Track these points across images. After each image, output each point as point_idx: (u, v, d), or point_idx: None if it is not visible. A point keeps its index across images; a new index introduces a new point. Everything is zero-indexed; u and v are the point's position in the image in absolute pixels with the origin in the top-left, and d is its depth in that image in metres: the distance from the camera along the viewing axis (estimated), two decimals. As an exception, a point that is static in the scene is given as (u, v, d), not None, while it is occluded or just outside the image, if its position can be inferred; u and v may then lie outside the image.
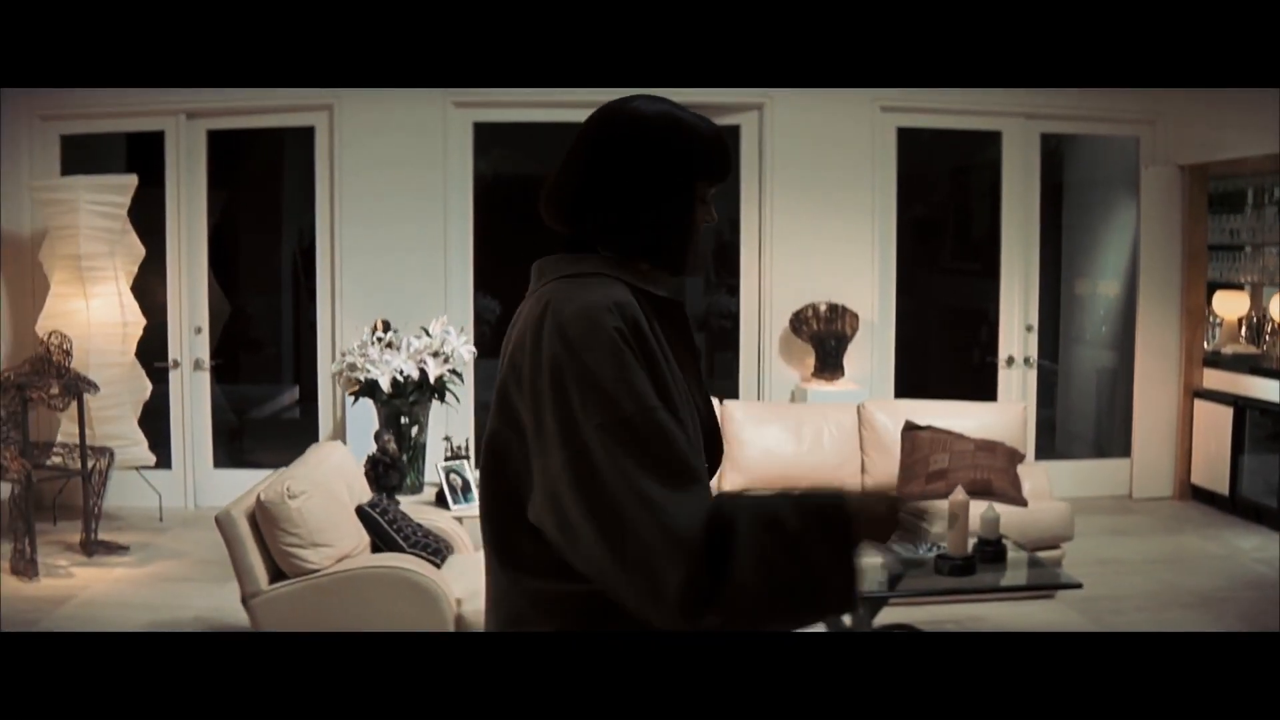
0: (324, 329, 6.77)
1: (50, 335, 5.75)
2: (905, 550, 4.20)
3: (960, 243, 8.72)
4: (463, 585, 3.97)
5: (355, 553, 4.08)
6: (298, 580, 3.87)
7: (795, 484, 1.66)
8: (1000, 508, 4.57)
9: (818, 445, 5.64)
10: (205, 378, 6.84)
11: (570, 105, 5.82)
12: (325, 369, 6.72)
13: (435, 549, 4.26)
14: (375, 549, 4.20)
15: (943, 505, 4.50)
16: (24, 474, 5.38)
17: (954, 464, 5.24)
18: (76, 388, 5.66)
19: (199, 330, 6.80)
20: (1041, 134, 7.09)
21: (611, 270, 1.60)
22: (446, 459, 5.27)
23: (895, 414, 5.70)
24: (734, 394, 6.96)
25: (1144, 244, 7.04)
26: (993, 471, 5.26)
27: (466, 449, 5.37)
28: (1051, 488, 5.53)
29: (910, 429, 5.52)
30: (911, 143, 7.09)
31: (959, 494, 4.08)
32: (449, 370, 5.37)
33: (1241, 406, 6.62)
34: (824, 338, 6.69)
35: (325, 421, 6.80)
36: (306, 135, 6.78)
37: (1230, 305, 7.04)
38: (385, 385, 5.19)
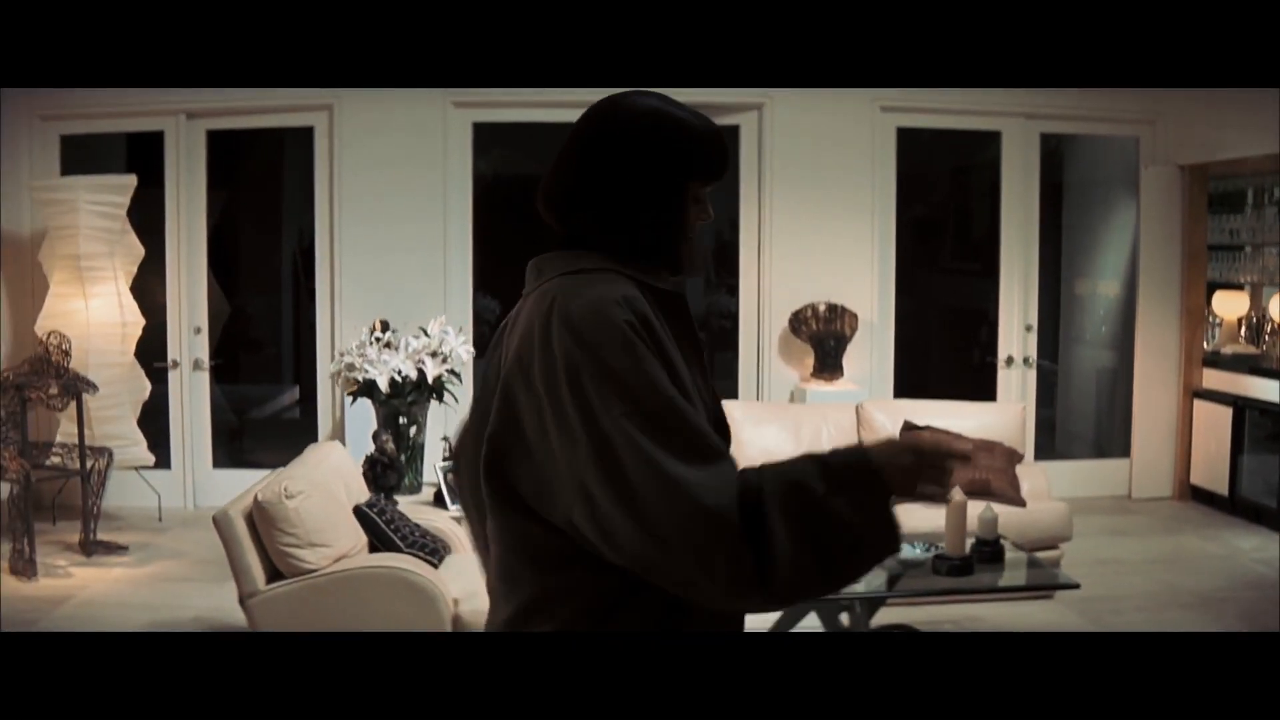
0: (323, 329, 6.77)
1: (49, 335, 5.75)
2: (905, 549, 4.19)
3: (960, 243, 8.72)
4: (460, 585, 3.97)
5: (353, 553, 4.08)
6: (295, 580, 3.87)
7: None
8: (999, 508, 4.57)
9: (816, 445, 5.57)
10: (205, 378, 6.84)
11: (570, 105, 5.81)
12: (324, 369, 6.72)
13: (433, 549, 4.26)
14: (373, 549, 4.20)
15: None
16: (23, 474, 5.38)
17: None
18: (75, 388, 5.66)
19: (198, 330, 6.80)
20: (1041, 134, 7.09)
21: (614, 265, 1.60)
22: (445, 459, 5.27)
23: (894, 414, 5.70)
24: (733, 394, 6.96)
25: (1144, 244, 7.04)
26: (991, 472, 5.26)
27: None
28: (1050, 488, 5.53)
29: (909, 429, 5.52)
30: (911, 143, 7.08)
31: (956, 494, 4.08)
32: (447, 370, 5.38)
33: (1241, 407, 6.62)
34: (823, 338, 6.69)
35: (324, 422, 6.80)
36: (306, 135, 6.77)
37: (1230, 305, 7.04)
38: (383, 385, 5.19)
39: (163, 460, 6.60)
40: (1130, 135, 7.19)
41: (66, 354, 5.68)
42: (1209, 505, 6.83)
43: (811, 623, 4.20)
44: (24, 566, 5.32)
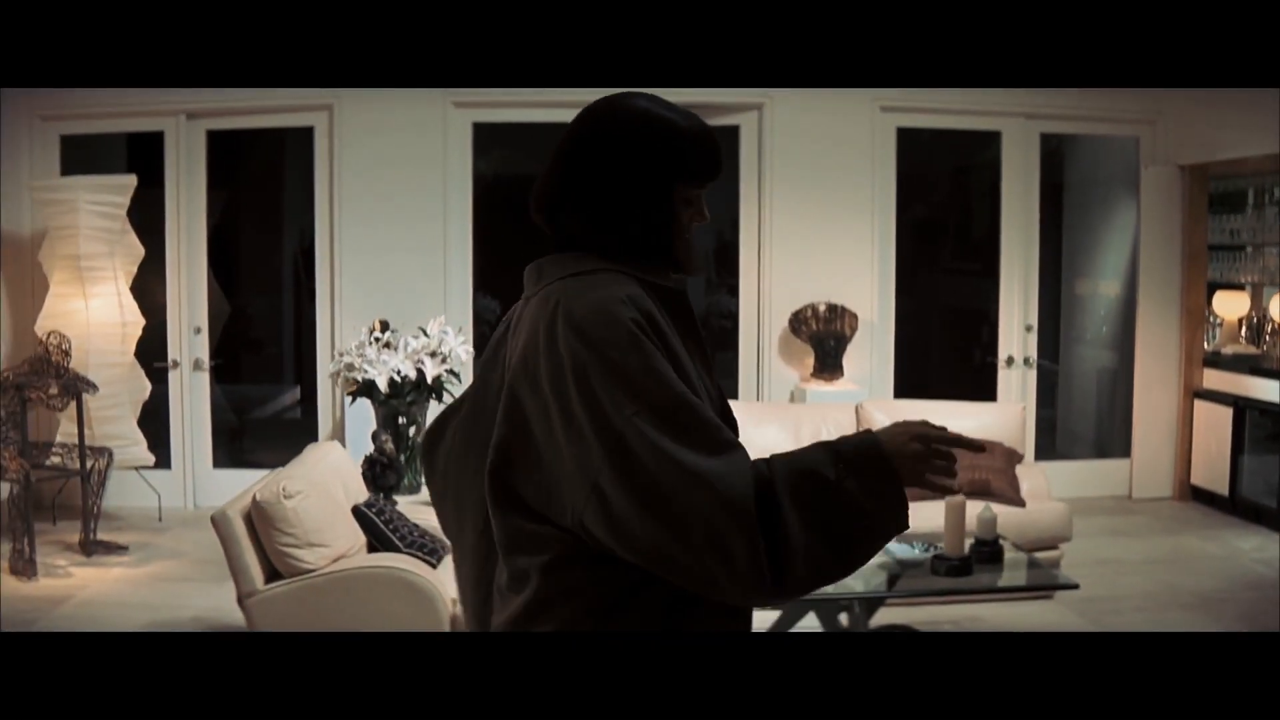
0: (323, 329, 6.77)
1: (49, 335, 5.75)
2: (903, 549, 4.19)
3: (960, 243, 8.72)
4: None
5: (351, 553, 4.08)
6: (293, 580, 3.87)
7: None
8: (998, 508, 4.57)
9: (817, 445, 5.64)
10: (205, 378, 6.84)
11: (570, 105, 5.76)
12: (324, 369, 6.72)
13: (431, 549, 4.25)
14: (371, 549, 4.20)
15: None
16: (23, 474, 5.38)
17: (953, 464, 5.24)
18: (75, 388, 5.66)
19: (198, 330, 6.80)
20: (1041, 134, 7.09)
21: (615, 266, 1.59)
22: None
23: (893, 414, 5.69)
24: (733, 394, 6.95)
25: (1144, 244, 7.04)
26: (991, 472, 5.26)
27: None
28: (1050, 488, 5.53)
29: (909, 429, 5.51)
30: (911, 143, 7.08)
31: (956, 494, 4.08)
32: (446, 370, 5.38)
33: (1241, 407, 6.62)
34: (823, 338, 6.69)
35: (325, 422, 6.80)
36: (306, 135, 6.77)
37: (1230, 305, 7.04)
38: (382, 385, 5.19)
39: (163, 460, 6.60)
40: (1130, 135, 7.19)
41: (66, 354, 5.68)
42: (1209, 505, 6.83)
43: (810, 623, 4.20)
44: (24, 566, 5.32)
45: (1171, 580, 5.43)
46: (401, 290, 6.60)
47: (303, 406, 8.02)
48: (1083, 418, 8.14)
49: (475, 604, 1.70)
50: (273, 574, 3.92)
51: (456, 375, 5.48)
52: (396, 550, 4.16)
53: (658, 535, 1.43)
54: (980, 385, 7.19)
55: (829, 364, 6.68)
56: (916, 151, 7.30)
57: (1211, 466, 6.81)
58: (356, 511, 4.23)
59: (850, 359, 6.78)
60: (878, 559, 4.12)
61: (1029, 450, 6.28)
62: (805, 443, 1.56)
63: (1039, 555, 4.60)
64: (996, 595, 4.65)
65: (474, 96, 6.61)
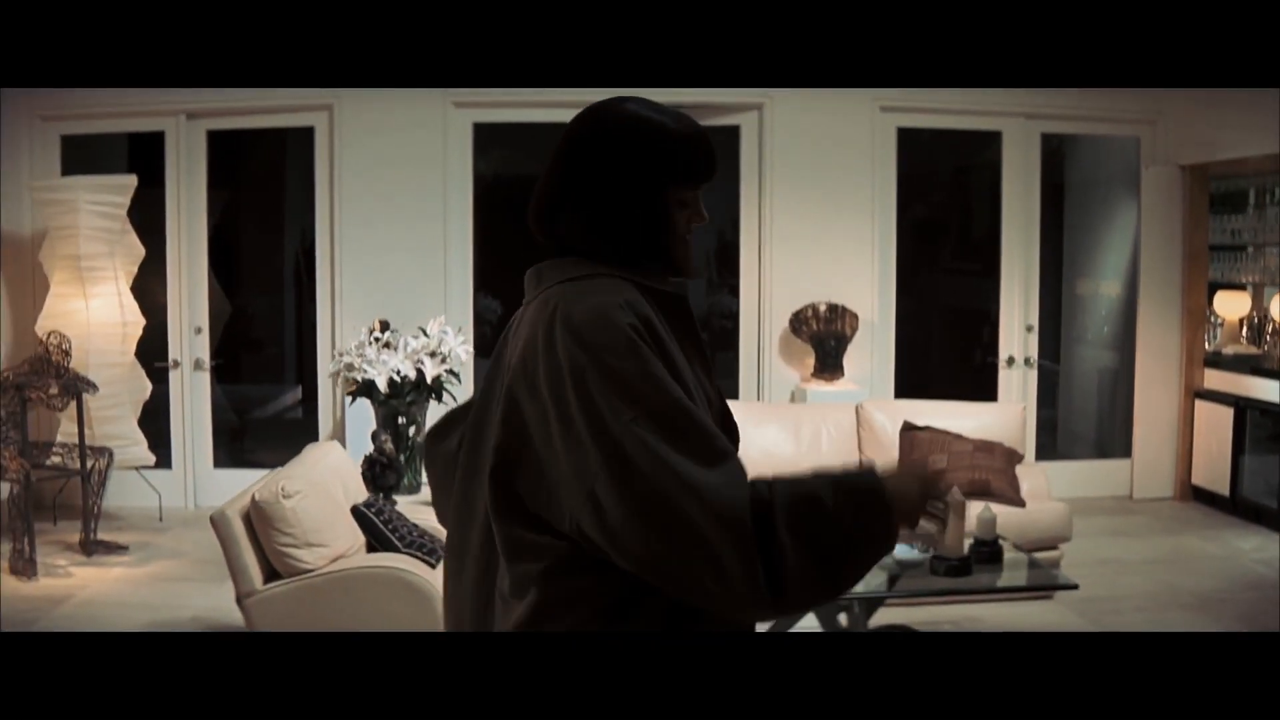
0: (324, 329, 6.77)
1: (50, 335, 5.75)
2: (902, 550, 4.19)
3: (961, 243, 8.72)
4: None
5: (350, 553, 4.08)
6: (292, 580, 3.87)
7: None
8: (998, 508, 4.56)
9: (816, 445, 5.64)
10: (205, 378, 6.84)
11: (570, 105, 5.77)
12: (325, 369, 6.72)
13: (431, 549, 4.25)
14: (370, 549, 4.20)
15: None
16: (23, 474, 5.38)
17: (952, 464, 5.24)
18: (76, 388, 5.66)
19: (199, 330, 6.80)
20: (1042, 134, 7.09)
21: (614, 270, 1.59)
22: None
23: (894, 414, 5.70)
24: (734, 394, 6.95)
25: (1145, 244, 7.04)
26: (991, 472, 5.26)
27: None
28: (1050, 488, 5.52)
29: (908, 429, 5.52)
30: (911, 143, 7.08)
31: (955, 494, 4.07)
32: (446, 370, 5.38)
33: (1242, 407, 6.62)
34: (824, 338, 6.69)
35: (325, 422, 6.80)
36: (307, 135, 6.78)
37: (1231, 305, 7.04)
38: (382, 385, 5.19)
39: (163, 460, 6.60)
40: (1131, 135, 7.19)
41: (67, 354, 5.68)
42: (1210, 506, 6.83)
43: (810, 623, 4.19)
44: (24, 566, 5.32)
45: (1172, 580, 5.43)
46: (401, 290, 6.61)
47: (303, 406, 8.02)
48: (1083, 418, 8.14)
49: (475, 608, 1.70)
50: (272, 574, 3.93)
51: (456, 375, 5.48)
52: (395, 550, 4.16)
53: (652, 544, 1.43)
54: (981, 385, 7.19)
55: (829, 364, 6.68)
56: (917, 151, 7.30)
57: (1212, 467, 6.81)
58: (356, 511, 4.23)
59: (851, 359, 6.78)
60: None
61: (1029, 450, 6.28)
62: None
63: (1039, 555, 4.60)
64: (996, 595, 4.65)
65: (474, 96, 6.62)
